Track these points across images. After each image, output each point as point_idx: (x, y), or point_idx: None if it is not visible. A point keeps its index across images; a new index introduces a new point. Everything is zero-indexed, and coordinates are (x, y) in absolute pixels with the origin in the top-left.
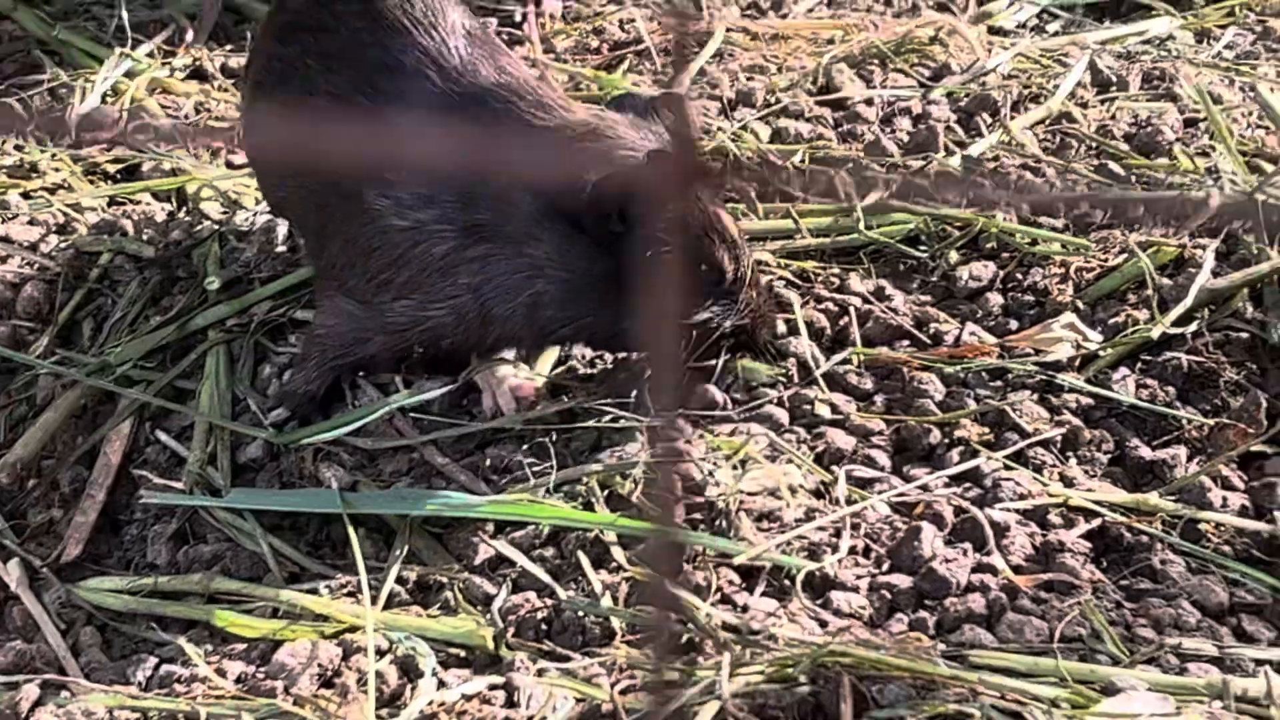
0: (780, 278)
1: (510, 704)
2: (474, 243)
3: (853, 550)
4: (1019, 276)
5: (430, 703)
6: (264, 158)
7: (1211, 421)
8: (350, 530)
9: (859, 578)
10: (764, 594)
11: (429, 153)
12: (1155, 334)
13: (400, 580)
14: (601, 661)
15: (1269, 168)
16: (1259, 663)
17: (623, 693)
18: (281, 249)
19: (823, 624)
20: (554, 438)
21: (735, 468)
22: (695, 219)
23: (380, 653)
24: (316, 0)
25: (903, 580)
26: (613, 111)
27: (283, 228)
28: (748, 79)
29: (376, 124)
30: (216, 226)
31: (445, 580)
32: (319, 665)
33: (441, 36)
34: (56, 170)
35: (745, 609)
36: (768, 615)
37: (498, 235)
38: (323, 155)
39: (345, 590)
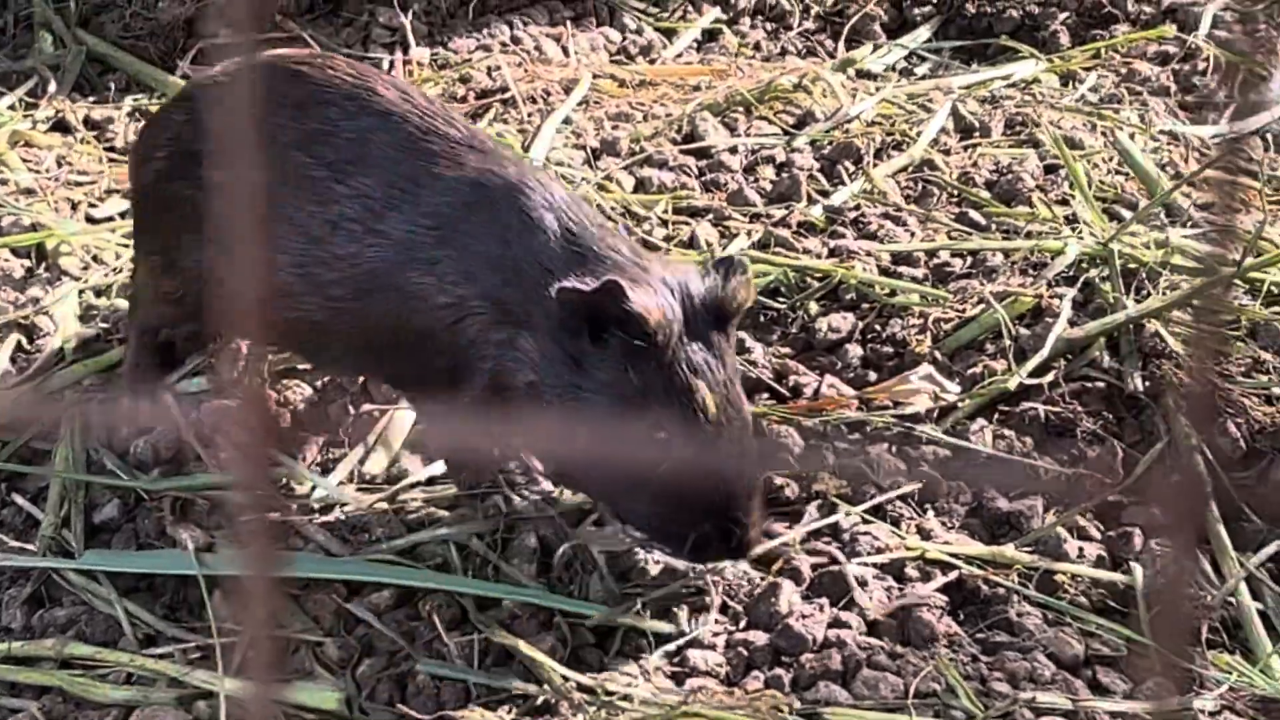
0: None
1: None
2: (498, 324)
3: (707, 608)
4: (878, 327)
5: None
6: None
7: (1069, 471)
8: (204, 593)
9: (716, 635)
10: (620, 653)
11: None
12: (1012, 385)
13: (254, 644)
14: None
15: (1127, 214)
16: (1113, 715)
17: None
18: None
19: (679, 682)
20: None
21: (594, 524)
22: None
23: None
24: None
25: (759, 637)
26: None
27: None
28: (613, 127)
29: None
30: (76, 283)
31: (300, 643)
32: None
33: (464, 126)
34: None
35: (602, 669)
36: (623, 675)
37: (516, 320)
38: None
39: (201, 654)
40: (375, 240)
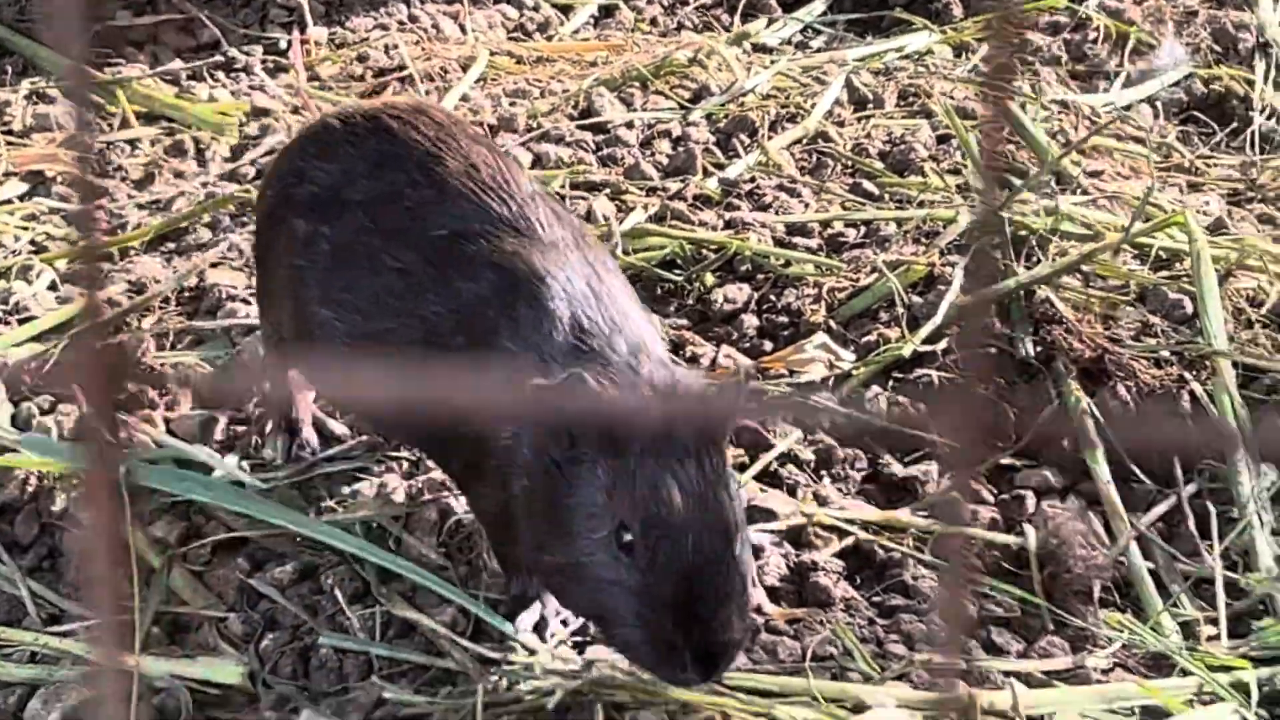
0: None
1: None
2: (503, 424)
3: None
4: (773, 298)
5: None
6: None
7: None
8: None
9: None
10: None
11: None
12: (907, 351)
13: (159, 620)
14: (353, 695)
15: (1019, 182)
16: (1006, 674)
17: None
18: (44, 292)
19: (580, 651)
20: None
21: None
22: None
23: (139, 695)
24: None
25: None
26: (677, 369)
27: (48, 274)
28: (510, 103)
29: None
30: None
31: (203, 620)
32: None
33: (519, 202)
34: None
35: (503, 640)
36: (524, 646)
37: (517, 424)
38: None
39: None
40: (409, 320)
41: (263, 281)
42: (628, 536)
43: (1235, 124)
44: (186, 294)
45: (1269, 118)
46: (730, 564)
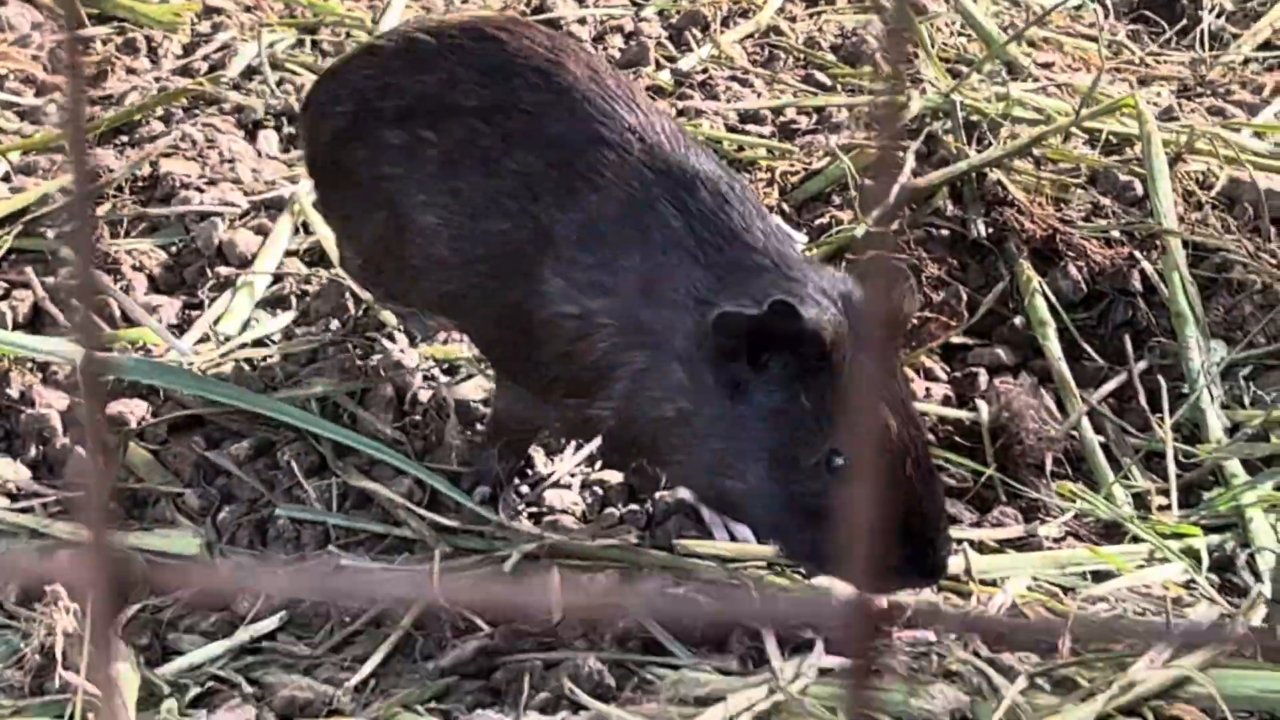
0: None
1: (224, 605)
2: (632, 346)
3: (561, 450)
4: None
5: (144, 608)
6: (439, 253)
7: (915, 317)
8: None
9: (572, 475)
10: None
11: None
12: (858, 233)
13: (115, 497)
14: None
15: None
16: (959, 542)
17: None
18: None
19: (537, 521)
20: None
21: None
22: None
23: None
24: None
25: (614, 476)
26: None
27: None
28: (462, 1)
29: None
30: None
31: (160, 495)
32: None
33: (644, 110)
34: None
35: (458, 509)
36: (476, 516)
37: (657, 342)
38: None
39: (61, 509)
40: (527, 222)
41: (338, 204)
42: (839, 461)
43: (1184, 22)
44: (140, 183)
45: (1218, 16)
46: (938, 478)
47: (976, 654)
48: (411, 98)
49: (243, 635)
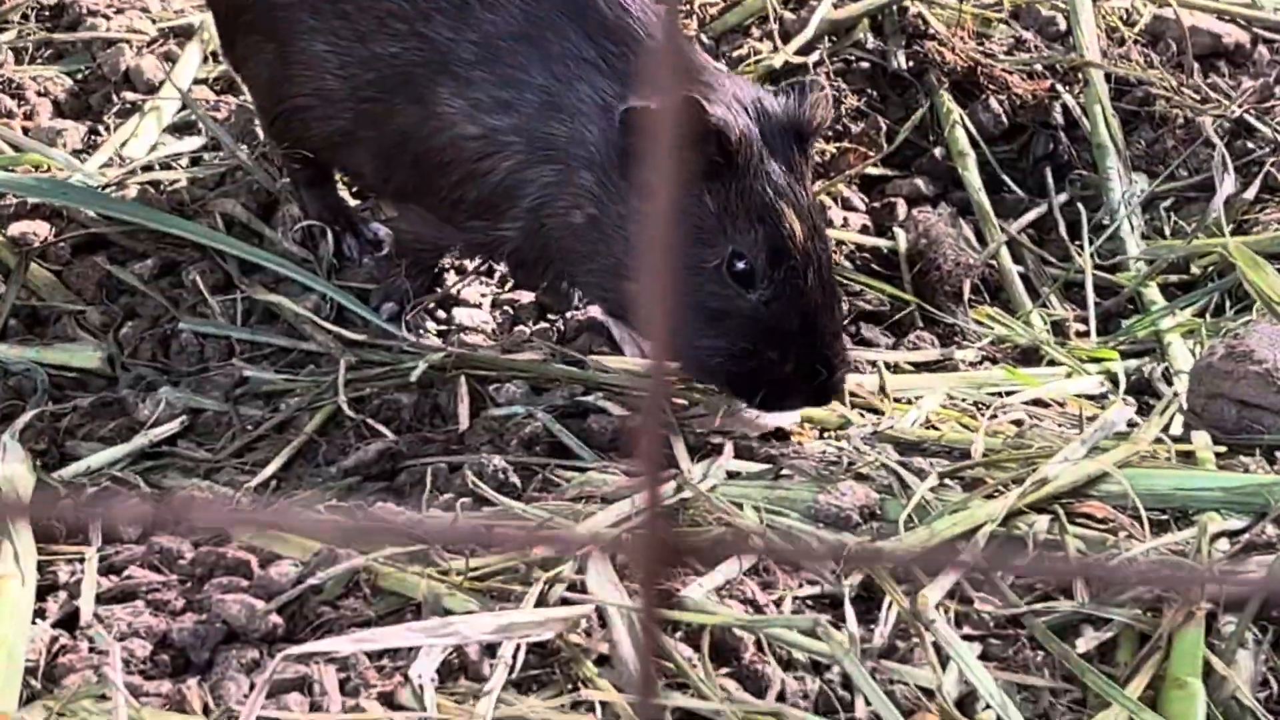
0: None
1: (124, 414)
2: (540, 161)
3: (478, 271)
4: None
5: (42, 416)
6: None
7: (832, 147)
8: None
9: (483, 296)
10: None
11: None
12: (778, 63)
13: (15, 313)
14: (212, 375)
15: None
16: (872, 363)
17: (235, 401)
18: None
19: (446, 339)
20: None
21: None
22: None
23: None
24: None
25: (525, 296)
26: (740, 78)
27: None
28: None
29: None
30: None
31: (62, 313)
32: None
33: None
34: None
35: (366, 324)
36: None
37: (565, 154)
38: None
39: None
40: (417, 43)
41: (234, 37)
42: (741, 265)
43: None
44: (46, 11)
45: None
46: (838, 291)
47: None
48: None
49: (141, 440)
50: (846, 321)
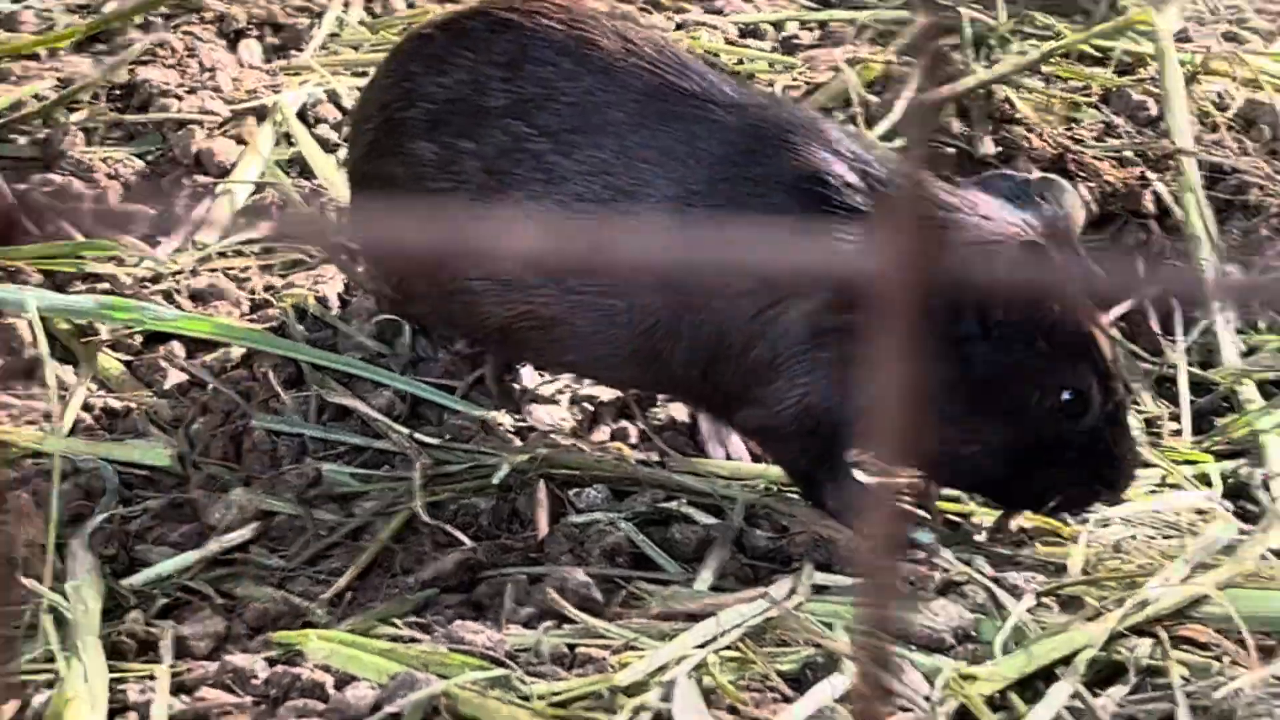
0: None
1: (195, 516)
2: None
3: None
4: None
5: (111, 519)
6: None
7: None
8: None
9: (560, 393)
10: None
11: None
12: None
13: (87, 407)
14: (285, 475)
15: None
16: None
17: (309, 504)
18: None
19: (523, 437)
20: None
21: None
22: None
23: (64, 476)
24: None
25: (605, 393)
26: (976, 190)
27: None
28: None
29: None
30: None
31: (133, 406)
32: None
33: (696, 71)
34: None
35: (442, 423)
36: (464, 429)
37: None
38: None
39: (29, 419)
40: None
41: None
42: (1067, 395)
43: None
44: (117, 91)
45: None
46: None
47: (980, 572)
48: (435, 104)
49: (213, 546)
50: None
